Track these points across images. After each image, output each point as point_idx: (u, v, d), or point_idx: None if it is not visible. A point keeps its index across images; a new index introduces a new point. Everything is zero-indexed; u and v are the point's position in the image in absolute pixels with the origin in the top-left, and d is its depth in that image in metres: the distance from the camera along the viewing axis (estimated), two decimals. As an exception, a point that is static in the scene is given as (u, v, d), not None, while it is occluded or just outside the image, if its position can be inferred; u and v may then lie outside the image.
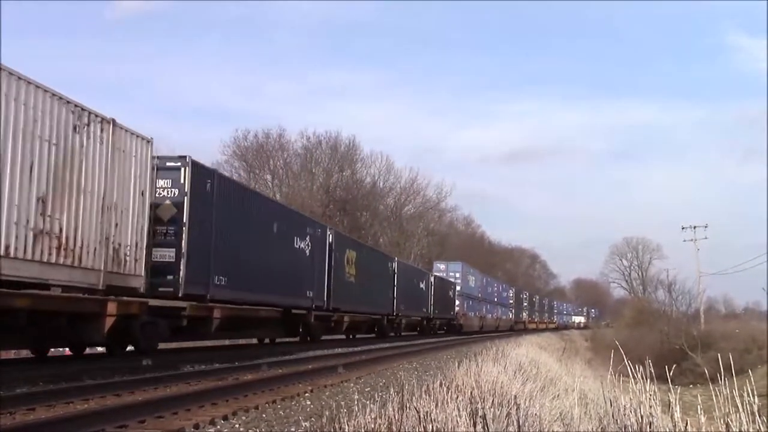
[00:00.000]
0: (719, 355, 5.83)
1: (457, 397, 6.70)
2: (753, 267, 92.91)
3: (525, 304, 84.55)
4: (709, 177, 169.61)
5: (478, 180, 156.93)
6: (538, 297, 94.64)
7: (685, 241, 59.33)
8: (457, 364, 11.97)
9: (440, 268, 51.68)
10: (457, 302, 49.78)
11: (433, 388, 7.60)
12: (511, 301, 75.08)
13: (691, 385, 10.74)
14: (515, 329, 71.54)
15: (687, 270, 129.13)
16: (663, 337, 42.58)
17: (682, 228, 59.56)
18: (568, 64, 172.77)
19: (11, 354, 16.48)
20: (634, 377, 5.70)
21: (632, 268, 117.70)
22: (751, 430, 4.62)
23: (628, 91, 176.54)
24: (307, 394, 10.42)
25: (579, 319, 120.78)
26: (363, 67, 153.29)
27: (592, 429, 5.90)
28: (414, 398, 6.70)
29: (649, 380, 5.65)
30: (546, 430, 6.29)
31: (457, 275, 51.55)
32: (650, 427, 4.96)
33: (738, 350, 29.52)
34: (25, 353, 17.35)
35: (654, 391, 5.49)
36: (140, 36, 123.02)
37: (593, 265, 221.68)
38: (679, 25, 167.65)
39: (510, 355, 15.59)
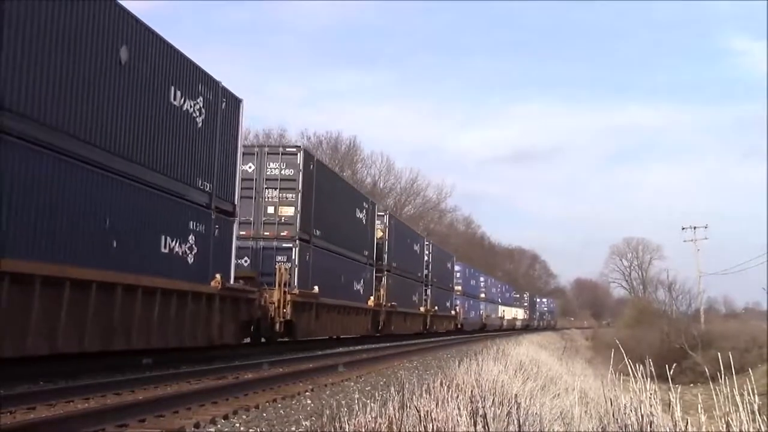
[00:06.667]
0: (719, 354, 5.82)
1: (458, 396, 6.70)
2: (753, 267, 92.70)
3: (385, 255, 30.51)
4: (709, 177, 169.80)
5: (479, 180, 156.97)
6: (429, 246, 39.83)
7: (685, 241, 59.18)
8: (457, 363, 11.98)
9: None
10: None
11: (433, 387, 7.60)
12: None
13: (691, 384, 10.73)
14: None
15: (687, 270, 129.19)
16: (663, 336, 42.54)
17: (682, 228, 59.39)
18: (570, 66, 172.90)
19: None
20: (634, 376, 5.70)
21: (632, 268, 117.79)
22: (751, 429, 4.63)
23: (629, 92, 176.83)
24: (307, 393, 10.43)
25: (514, 314, 72.62)
26: (364, 69, 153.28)
27: (593, 428, 5.90)
28: (414, 397, 6.70)
29: (649, 379, 5.65)
30: (546, 429, 6.29)
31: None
32: (651, 426, 4.96)
33: (738, 349, 29.53)
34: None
35: (654, 390, 5.48)
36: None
37: (593, 265, 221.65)
38: (681, 28, 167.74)
39: (510, 354, 15.60)
